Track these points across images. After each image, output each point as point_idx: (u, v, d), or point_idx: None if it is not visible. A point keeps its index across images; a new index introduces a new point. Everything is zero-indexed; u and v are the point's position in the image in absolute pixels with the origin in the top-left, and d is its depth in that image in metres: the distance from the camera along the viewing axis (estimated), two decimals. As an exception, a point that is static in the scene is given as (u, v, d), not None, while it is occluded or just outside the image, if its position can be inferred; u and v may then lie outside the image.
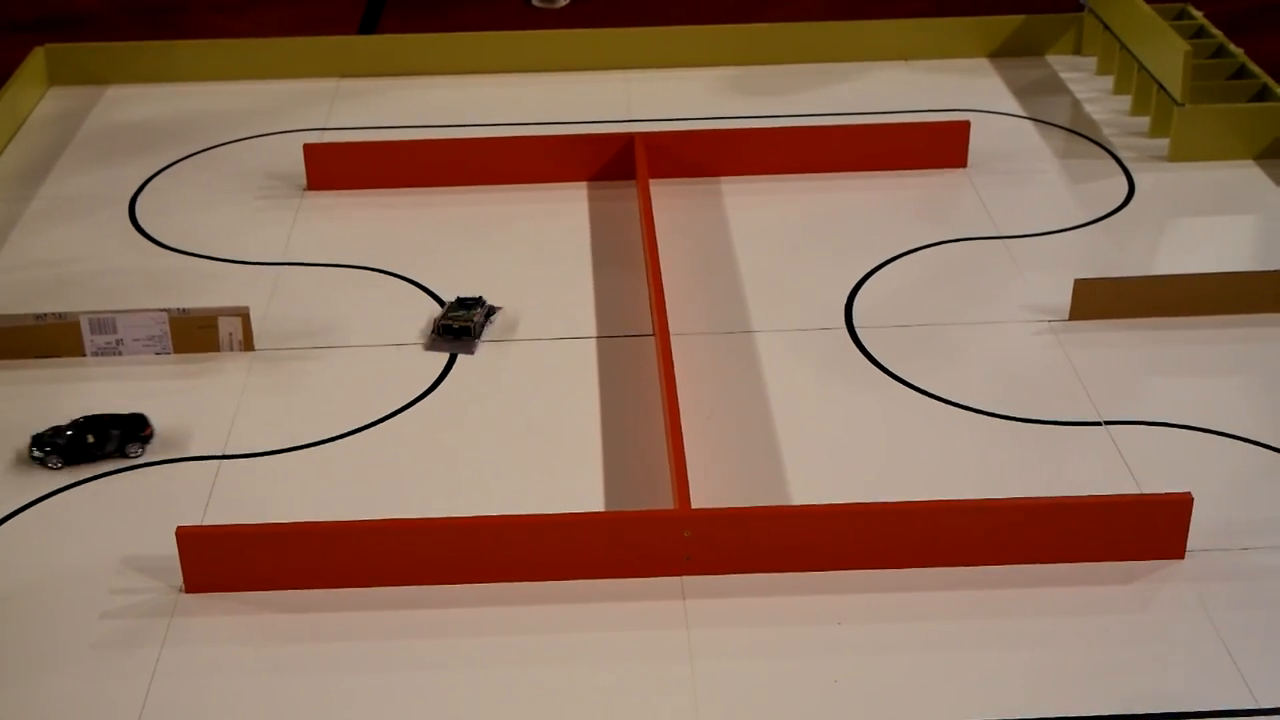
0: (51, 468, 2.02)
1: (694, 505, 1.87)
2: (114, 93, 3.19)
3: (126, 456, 2.04)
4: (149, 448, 2.05)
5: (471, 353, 2.22)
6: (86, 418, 2.06)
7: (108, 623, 1.77)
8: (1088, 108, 3.04)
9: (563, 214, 2.66)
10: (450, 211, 2.68)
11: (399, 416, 2.14)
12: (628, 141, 2.75)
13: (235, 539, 1.82)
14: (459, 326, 2.26)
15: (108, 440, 2.03)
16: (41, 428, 2.05)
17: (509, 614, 1.78)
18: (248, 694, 1.67)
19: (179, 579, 1.82)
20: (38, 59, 3.17)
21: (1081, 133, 2.95)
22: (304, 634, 1.76)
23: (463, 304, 2.33)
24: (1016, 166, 2.81)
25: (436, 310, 2.38)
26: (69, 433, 2.03)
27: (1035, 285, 2.41)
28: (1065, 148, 2.89)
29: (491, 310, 2.33)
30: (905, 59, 3.26)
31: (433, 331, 2.27)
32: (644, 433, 2.08)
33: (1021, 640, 1.73)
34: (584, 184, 2.76)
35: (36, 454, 2.03)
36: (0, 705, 1.65)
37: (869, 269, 2.47)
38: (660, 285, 2.30)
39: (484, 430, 2.11)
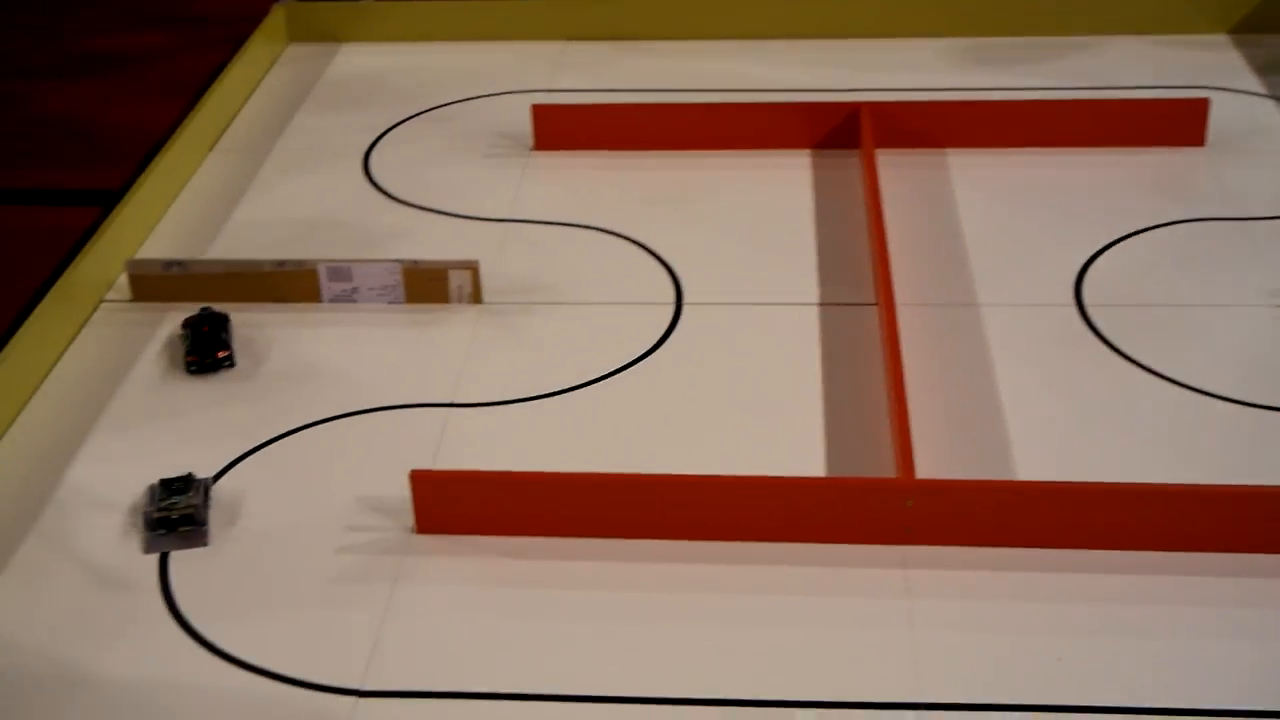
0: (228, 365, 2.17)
1: (917, 475, 1.86)
2: (349, 50, 3.27)
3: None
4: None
5: (206, 543, 1.85)
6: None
7: (343, 559, 1.83)
8: (1333, 89, 2.94)
9: (786, 180, 2.66)
10: (673, 175, 2.70)
11: (622, 373, 2.16)
12: (854, 111, 2.73)
13: (465, 484, 1.86)
14: (178, 516, 1.87)
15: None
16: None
17: (726, 573, 1.80)
18: (472, 633, 1.72)
19: (410, 520, 1.87)
20: (277, 17, 3.27)
21: (1327, 114, 2.84)
22: (526, 579, 1.80)
23: (170, 488, 1.90)
24: (1257, 147, 2.72)
25: (660, 273, 2.40)
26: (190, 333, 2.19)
27: (1275, 269, 2.34)
28: (1309, 129, 2.79)
29: (207, 486, 1.92)
30: (1141, 33, 3.18)
31: (146, 528, 1.86)
32: (866, 401, 2.08)
33: (1253, 630, 1.69)
34: (807, 152, 2.76)
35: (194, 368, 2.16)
36: (239, 636, 1.73)
37: (1100, 246, 2.42)
38: (885, 254, 2.29)
39: (705, 391, 2.12)
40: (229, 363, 2.18)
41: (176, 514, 1.85)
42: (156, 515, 1.85)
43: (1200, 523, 1.79)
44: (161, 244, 2.53)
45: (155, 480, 1.91)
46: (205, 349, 2.18)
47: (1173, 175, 2.63)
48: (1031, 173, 2.65)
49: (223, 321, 2.24)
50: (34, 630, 1.74)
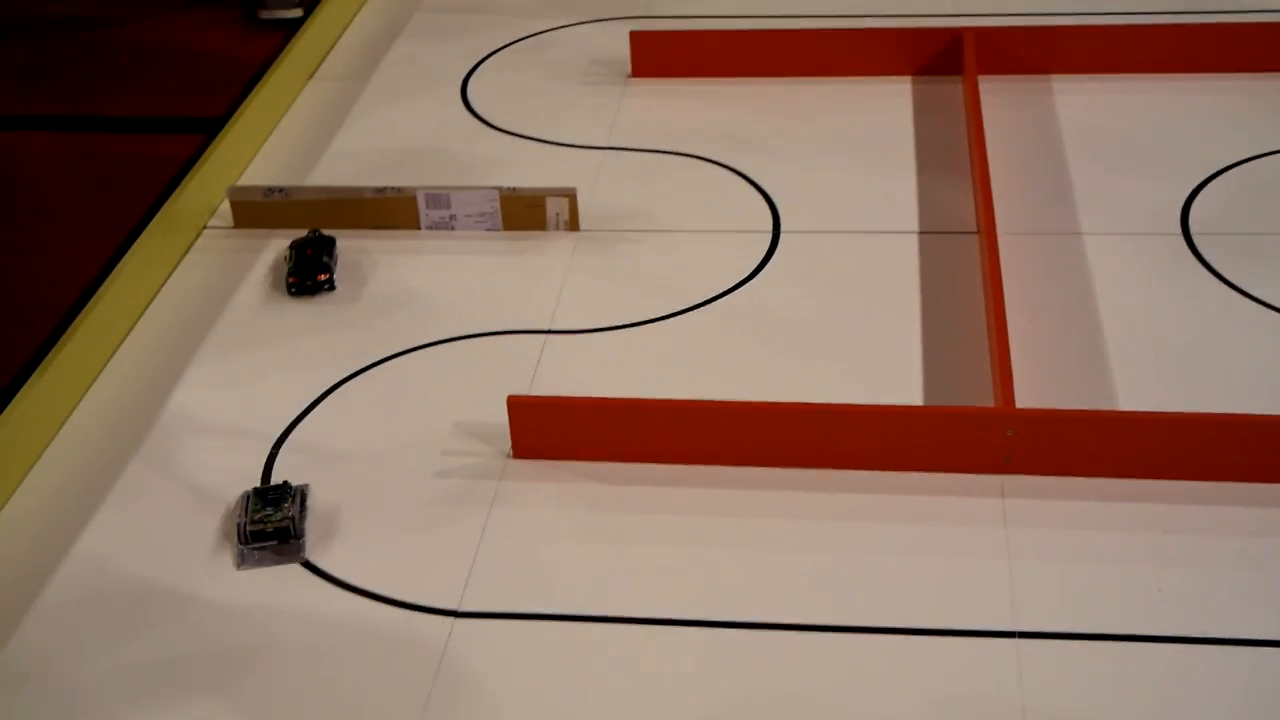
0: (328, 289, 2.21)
1: (1017, 404, 1.84)
2: (447, -23, 3.27)
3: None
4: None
5: (302, 558, 1.74)
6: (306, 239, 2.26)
7: (441, 483, 1.85)
8: None
9: (886, 107, 2.63)
10: (771, 102, 2.68)
11: (720, 301, 2.16)
12: (956, 36, 2.69)
13: (561, 410, 1.87)
14: (273, 530, 1.76)
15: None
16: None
17: (821, 500, 1.79)
18: (566, 557, 1.73)
19: (507, 444, 1.88)
20: (377, -56, 3.27)
21: None
22: (620, 505, 1.81)
23: (264, 499, 1.79)
24: (1375, 72, 2.64)
25: (758, 200, 2.39)
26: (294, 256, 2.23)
27: (1392, 198, 2.28)
28: None
29: (303, 495, 1.81)
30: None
31: (240, 543, 1.76)
32: (965, 330, 2.06)
33: (1361, 563, 1.66)
34: (908, 78, 2.72)
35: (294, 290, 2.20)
36: (338, 558, 1.75)
37: (1208, 174, 2.37)
38: (987, 182, 2.26)
39: (802, 319, 2.11)
40: (329, 286, 2.20)
41: (271, 527, 1.75)
42: (251, 529, 1.75)
43: (1307, 455, 1.76)
44: (263, 171, 2.56)
45: (249, 490, 1.83)
46: (306, 271, 2.21)
47: (1285, 101, 2.57)
48: (1138, 98, 2.60)
49: (328, 245, 2.26)
50: (138, 553, 1.78)
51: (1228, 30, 2.66)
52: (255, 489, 1.81)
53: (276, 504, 1.78)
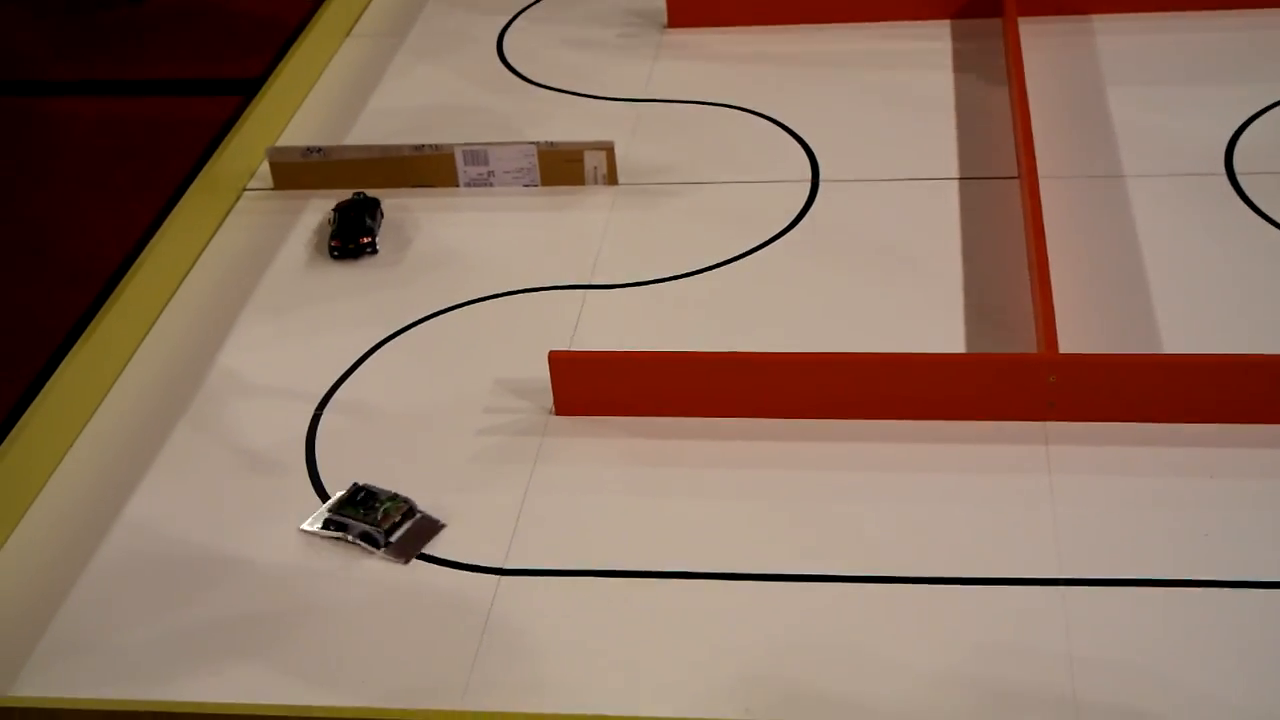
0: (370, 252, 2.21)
1: (1060, 350, 1.83)
2: (481, -69, 3.25)
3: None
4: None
5: (403, 556, 1.70)
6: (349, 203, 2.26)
7: (484, 439, 1.86)
8: None
9: (926, 52, 2.60)
10: (810, 49, 2.65)
11: (759, 252, 2.15)
12: (995, -23, 2.66)
13: (603, 365, 1.87)
14: (367, 534, 1.72)
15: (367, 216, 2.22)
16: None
17: (864, 450, 1.79)
18: (611, 513, 1.74)
19: (549, 401, 1.89)
20: (410, -101, 3.26)
21: None
22: (663, 459, 1.81)
23: (357, 502, 1.75)
24: None
25: (797, 150, 2.37)
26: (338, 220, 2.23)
27: None
28: None
29: (407, 505, 1.75)
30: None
31: (384, 547, 1.71)
32: (1007, 277, 2.04)
33: None
34: (948, 22, 2.69)
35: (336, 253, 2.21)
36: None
37: (1253, 113, 2.33)
38: (1029, 126, 2.23)
39: (843, 269, 2.10)
40: (371, 249, 2.21)
41: (392, 521, 1.73)
42: (381, 528, 1.72)
43: (1356, 396, 1.74)
44: (301, 131, 2.56)
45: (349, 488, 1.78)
46: (349, 234, 2.21)
47: (1333, 36, 2.53)
48: (1181, 37, 2.56)
49: (371, 207, 2.26)
50: (188, 516, 1.80)
51: (1271, -36, 2.62)
52: (355, 487, 1.77)
53: (370, 506, 1.74)
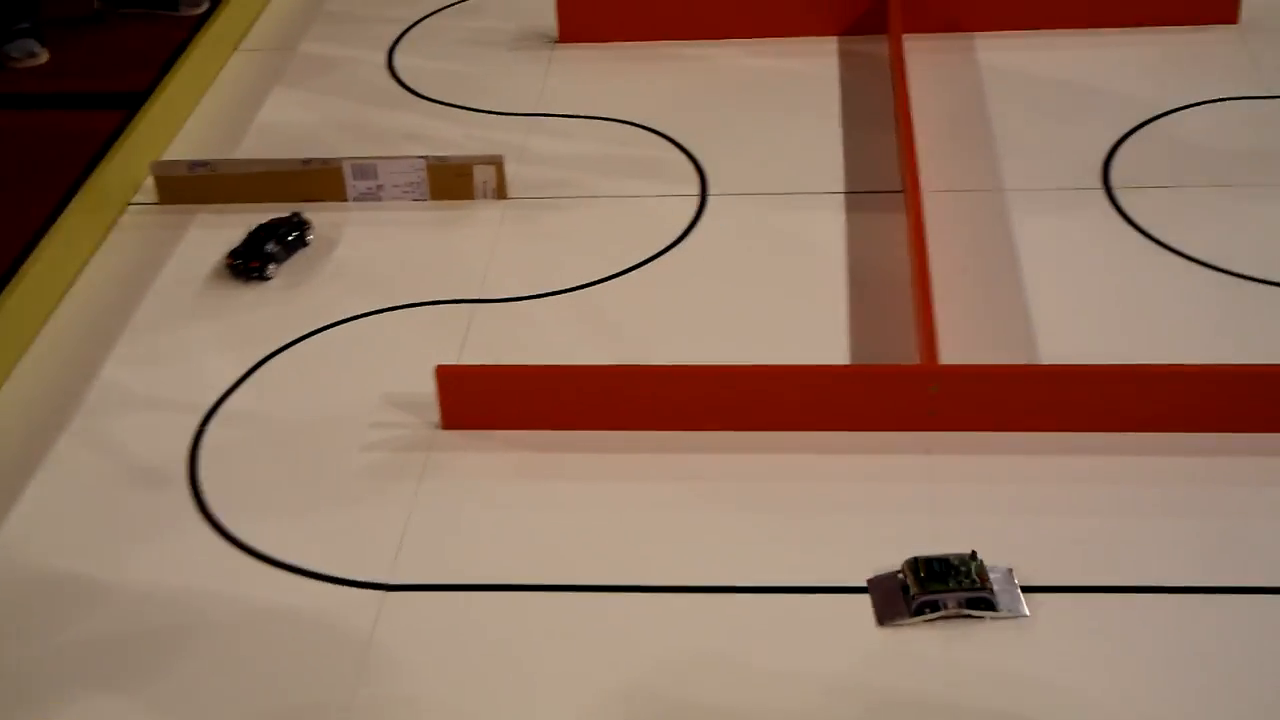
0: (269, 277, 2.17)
1: (941, 361, 1.86)
2: (372, -55, 3.24)
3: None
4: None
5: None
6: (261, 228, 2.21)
7: (370, 455, 1.85)
8: (1374, -40, 2.87)
9: (813, 68, 2.63)
10: (699, 64, 2.68)
11: (648, 266, 2.16)
12: (881, -6, 2.70)
13: (490, 379, 1.88)
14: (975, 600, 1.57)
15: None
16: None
17: (751, 462, 1.81)
18: (498, 527, 1.74)
19: (436, 416, 1.89)
20: (300, -88, 3.24)
21: (1365, -13, 2.78)
22: (550, 472, 1.81)
23: (934, 574, 1.60)
24: (1292, 23, 2.67)
25: (685, 164, 2.39)
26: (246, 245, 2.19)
27: (1309, 148, 2.31)
28: (1348, 3, 2.73)
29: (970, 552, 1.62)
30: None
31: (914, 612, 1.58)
32: (891, 288, 2.07)
33: (1268, 509, 1.69)
34: (834, 38, 2.72)
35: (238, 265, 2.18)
36: (268, 533, 1.75)
37: (1128, 128, 2.39)
38: (912, 141, 2.27)
39: (730, 282, 2.12)
40: (258, 275, 2.17)
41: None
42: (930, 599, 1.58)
43: (1227, 404, 1.78)
44: (188, 146, 2.54)
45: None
46: (247, 254, 2.18)
47: (1204, 53, 2.59)
48: (1060, 54, 2.61)
49: (287, 231, 2.21)
50: (65, 532, 1.77)
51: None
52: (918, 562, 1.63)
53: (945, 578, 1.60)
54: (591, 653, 1.57)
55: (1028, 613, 1.57)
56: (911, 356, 1.92)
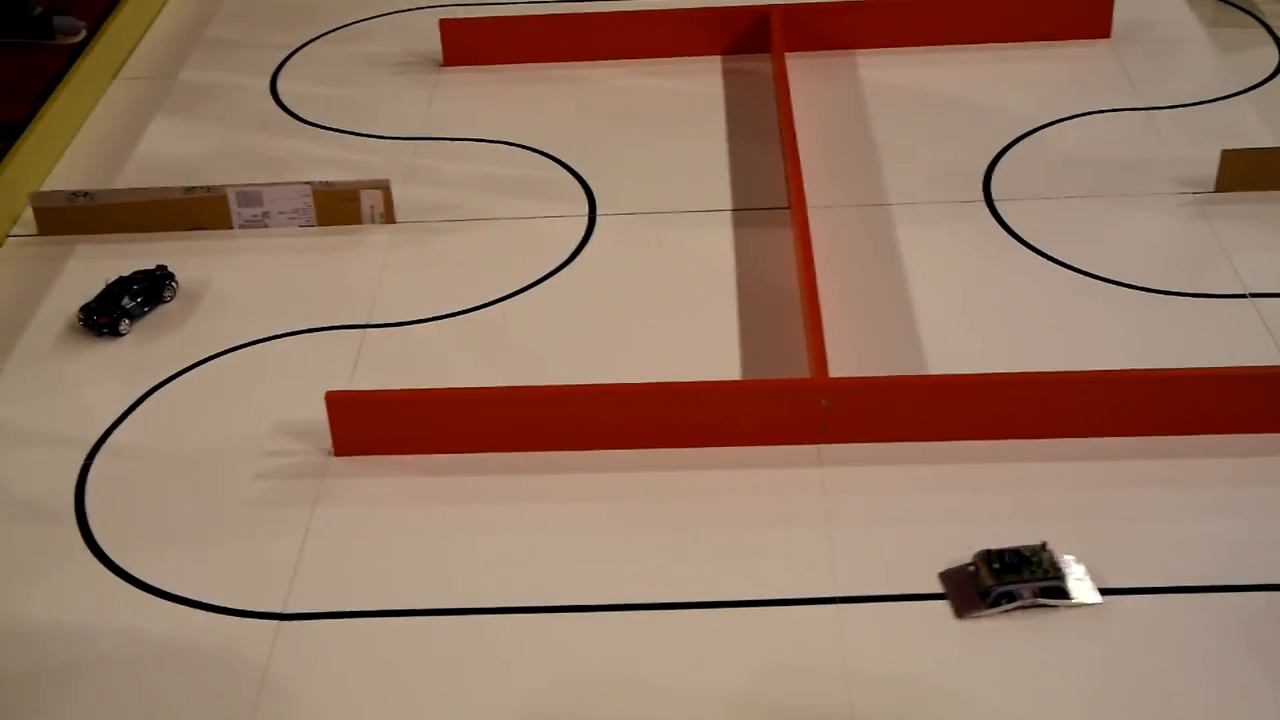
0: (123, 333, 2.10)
1: (831, 374, 1.88)
2: (253, -29, 3.22)
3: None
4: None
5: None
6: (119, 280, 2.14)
7: (262, 483, 1.83)
8: (1238, -25, 2.96)
9: (697, 88, 2.65)
10: (584, 86, 2.69)
11: (538, 287, 2.16)
12: (764, 14, 2.72)
13: (381, 404, 1.86)
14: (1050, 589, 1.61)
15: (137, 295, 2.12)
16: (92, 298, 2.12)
17: (645, 479, 1.81)
18: (393, 552, 1.73)
19: (328, 442, 1.87)
20: (178, -62, 3.21)
21: (1231, 0, 2.86)
22: (445, 496, 1.80)
23: (1005, 565, 1.62)
24: (1162, 36, 2.74)
25: (573, 185, 2.40)
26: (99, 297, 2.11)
27: (1181, 157, 2.36)
28: (1214, 16, 2.81)
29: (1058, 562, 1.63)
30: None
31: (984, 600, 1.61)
32: (780, 304, 2.09)
33: (1158, 510, 1.73)
34: (718, 57, 2.75)
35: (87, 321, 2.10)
36: (159, 566, 1.72)
37: (1008, 142, 2.43)
38: (796, 158, 2.29)
39: (621, 301, 2.13)
40: (108, 331, 2.09)
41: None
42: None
43: (1112, 408, 1.82)
44: (67, 176, 2.50)
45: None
46: (101, 307, 2.10)
47: (1079, 68, 2.65)
48: (940, 70, 2.66)
49: (147, 288, 2.13)
50: (-48, 569, 1.74)
51: (1024, 0, 2.72)
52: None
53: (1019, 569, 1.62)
54: (489, 676, 1.57)
55: (1100, 600, 1.60)
56: (803, 371, 1.94)
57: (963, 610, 1.61)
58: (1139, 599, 1.61)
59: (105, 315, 2.09)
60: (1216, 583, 1.63)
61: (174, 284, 2.17)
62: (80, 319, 2.12)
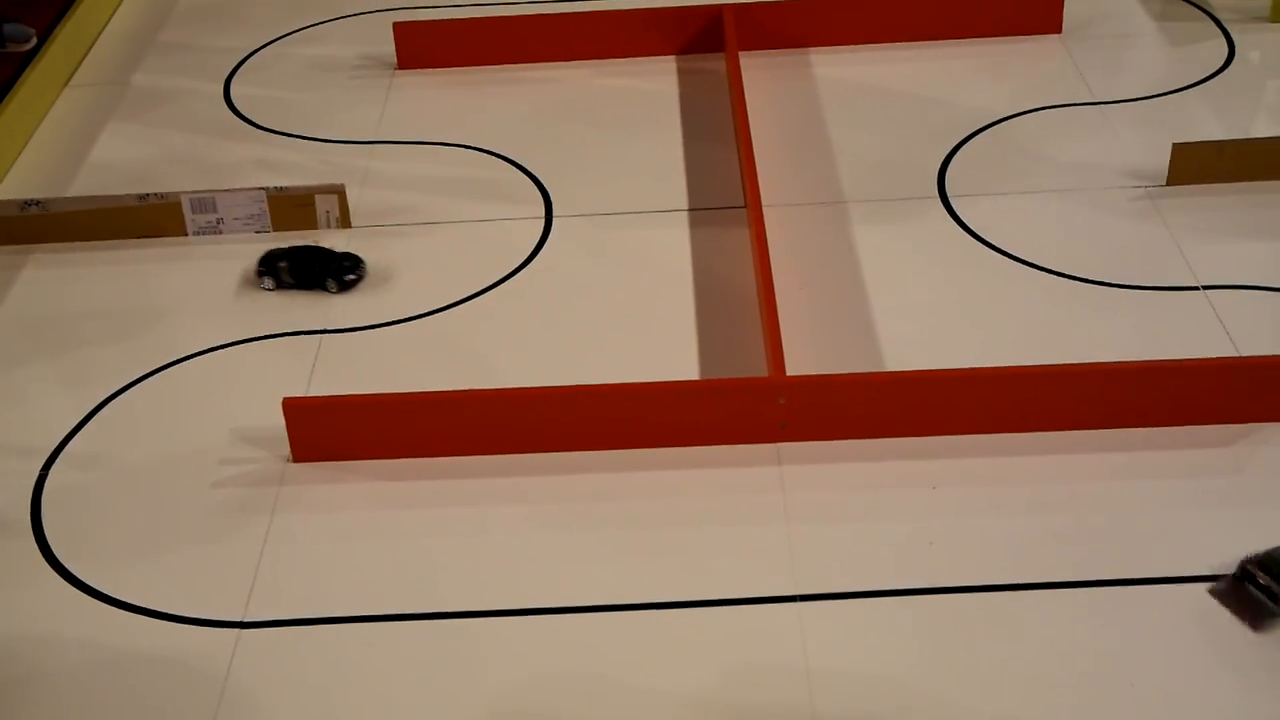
0: (265, 288, 2.17)
1: (789, 373, 1.88)
2: (204, -24, 3.20)
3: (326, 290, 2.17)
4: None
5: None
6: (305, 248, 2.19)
7: (220, 492, 1.82)
8: (1187, -31, 2.98)
9: (652, 88, 2.66)
10: (539, 87, 2.68)
11: (495, 289, 2.16)
12: (716, 14, 2.73)
13: (339, 409, 1.86)
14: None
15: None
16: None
17: (606, 481, 1.81)
18: (353, 558, 1.72)
19: (286, 449, 1.86)
20: (128, -56, 3.19)
21: (1180, -5, 2.89)
22: (404, 501, 1.80)
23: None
24: (1112, 30, 2.76)
25: (529, 187, 2.39)
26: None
27: (1132, 151, 2.38)
28: (1163, 10, 2.83)
29: None
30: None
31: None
32: (737, 303, 2.09)
33: (1115, 503, 1.74)
34: (672, 57, 2.75)
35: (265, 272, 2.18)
36: (117, 577, 1.71)
37: (962, 138, 2.45)
38: (751, 157, 2.30)
39: (578, 302, 2.13)
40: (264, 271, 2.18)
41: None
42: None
43: (1068, 402, 1.83)
44: (18, 184, 2.48)
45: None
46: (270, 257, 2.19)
47: (1031, 63, 2.66)
48: (893, 68, 2.67)
49: (307, 260, 2.19)
50: (-93, 583, 1.72)
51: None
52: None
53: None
54: (450, 679, 1.57)
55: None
56: (761, 369, 1.95)
57: (1258, 623, 1.57)
58: (1124, 590, 1.63)
59: (264, 264, 2.17)
60: (1190, 574, 1.64)
61: (350, 277, 2.17)
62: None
